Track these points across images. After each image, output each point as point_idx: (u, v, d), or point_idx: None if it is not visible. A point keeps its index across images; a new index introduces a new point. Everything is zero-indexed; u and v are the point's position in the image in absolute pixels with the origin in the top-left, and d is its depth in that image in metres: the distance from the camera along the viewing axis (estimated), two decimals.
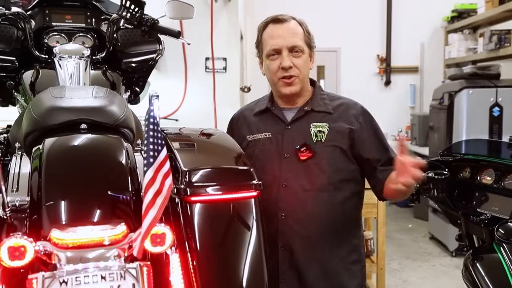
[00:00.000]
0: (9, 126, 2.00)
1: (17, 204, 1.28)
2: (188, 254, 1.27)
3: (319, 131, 1.91)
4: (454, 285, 3.97)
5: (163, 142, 1.17)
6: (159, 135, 1.16)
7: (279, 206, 1.88)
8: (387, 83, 6.96)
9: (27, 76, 2.02)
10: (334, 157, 1.89)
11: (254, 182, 1.36)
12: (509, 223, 2.21)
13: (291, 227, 1.87)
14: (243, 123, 2.05)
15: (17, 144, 1.63)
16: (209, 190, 1.31)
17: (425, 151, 5.61)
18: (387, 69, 6.91)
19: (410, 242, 5.21)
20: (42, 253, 1.13)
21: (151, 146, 1.14)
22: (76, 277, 1.13)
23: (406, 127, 6.78)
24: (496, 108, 4.60)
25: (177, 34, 2.07)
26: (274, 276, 1.85)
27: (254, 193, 1.35)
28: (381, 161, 1.93)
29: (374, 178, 1.96)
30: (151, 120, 1.15)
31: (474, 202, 2.49)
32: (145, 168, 1.13)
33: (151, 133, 1.15)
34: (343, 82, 6.93)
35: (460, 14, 6.33)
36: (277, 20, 1.93)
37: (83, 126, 1.44)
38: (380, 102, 6.42)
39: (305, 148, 1.88)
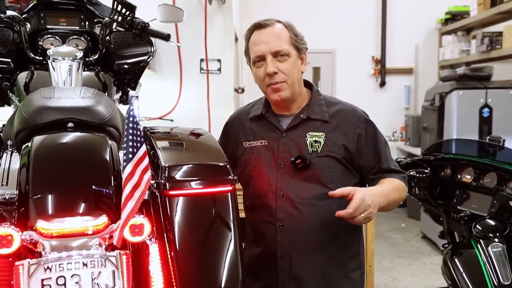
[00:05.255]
0: (3, 125, 2.07)
1: (6, 197, 1.34)
2: (167, 244, 1.33)
3: (315, 141, 1.87)
4: (442, 282, 4.03)
5: (142, 139, 1.23)
6: (139, 133, 1.22)
7: (276, 216, 1.86)
8: (382, 84, 7.02)
9: (22, 77, 2.06)
10: (330, 167, 1.85)
11: (230, 177, 1.41)
12: (486, 220, 2.28)
13: (289, 237, 1.85)
14: (239, 128, 2.02)
15: (9, 142, 1.69)
16: (187, 184, 1.37)
17: (418, 151, 5.67)
18: (382, 70, 6.98)
19: (403, 241, 5.28)
20: (28, 241, 1.20)
21: (130, 143, 1.21)
22: (60, 264, 1.20)
23: (401, 128, 6.84)
24: (486, 109, 4.67)
25: (166, 37, 2.10)
26: (273, 286, 1.87)
27: (230, 188, 1.40)
28: (373, 170, 1.90)
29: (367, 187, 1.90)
30: (131, 119, 1.22)
31: (455, 200, 2.56)
32: (125, 164, 1.20)
33: (130, 131, 1.21)
34: (338, 83, 7.00)
35: (453, 16, 6.39)
36: (260, 25, 1.88)
37: (70, 124, 1.50)
38: (375, 103, 6.46)
39: (300, 161, 1.84)
